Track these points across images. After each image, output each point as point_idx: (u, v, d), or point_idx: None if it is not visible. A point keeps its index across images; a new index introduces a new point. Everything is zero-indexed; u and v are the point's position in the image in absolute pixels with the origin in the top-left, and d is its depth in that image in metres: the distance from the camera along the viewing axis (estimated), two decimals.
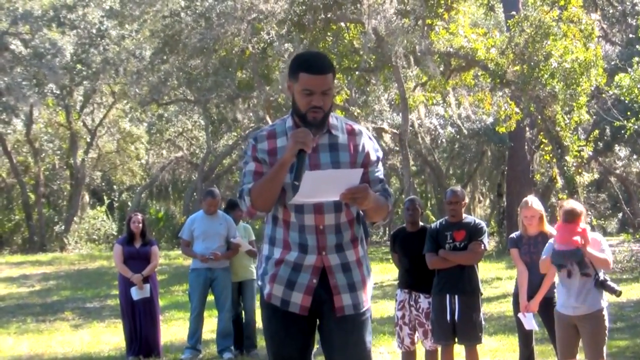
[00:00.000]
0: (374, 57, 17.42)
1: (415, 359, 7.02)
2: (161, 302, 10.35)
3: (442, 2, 16.28)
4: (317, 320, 3.70)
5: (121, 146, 31.30)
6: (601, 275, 5.79)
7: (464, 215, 6.72)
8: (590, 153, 19.60)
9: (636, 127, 15.65)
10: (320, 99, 3.52)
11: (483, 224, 6.77)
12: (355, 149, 3.66)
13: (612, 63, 20.95)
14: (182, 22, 18.77)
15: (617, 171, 29.90)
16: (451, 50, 16.73)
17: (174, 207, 34.47)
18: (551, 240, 6.08)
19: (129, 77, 23.52)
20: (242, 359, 8.87)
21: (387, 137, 21.98)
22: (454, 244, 6.55)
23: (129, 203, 32.66)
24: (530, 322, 6.54)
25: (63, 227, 29.02)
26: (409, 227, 6.96)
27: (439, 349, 6.75)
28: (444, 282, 6.56)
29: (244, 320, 9.08)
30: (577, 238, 5.69)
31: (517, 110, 17.33)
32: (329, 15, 16.91)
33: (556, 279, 6.11)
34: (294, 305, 3.62)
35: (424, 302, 6.76)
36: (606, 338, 5.89)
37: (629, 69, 15.07)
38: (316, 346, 4.25)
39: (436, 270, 6.63)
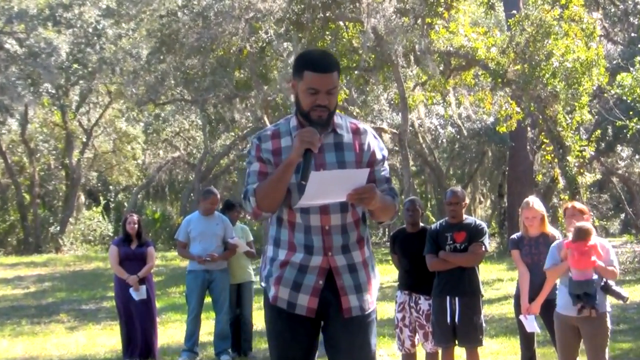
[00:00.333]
0: (373, 56, 17.37)
1: None
2: (158, 304, 10.29)
3: (442, 0, 16.21)
4: (322, 322, 3.66)
5: (117, 146, 31.23)
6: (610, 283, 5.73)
7: (465, 216, 6.69)
8: (592, 153, 19.50)
9: (638, 126, 15.55)
10: (325, 97, 3.48)
11: (484, 225, 6.74)
12: (361, 148, 3.62)
13: (614, 62, 20.86)
14: (179, 21, 18.73)
15: (620, 171, 29.81)
16: (451, 49, 16.71)
17: (171, 207, 34.39)
18: (554, 245, 6.03)
19: (126, 77, 23.45)
20: None
21: (386, 137, 21.86)
22: (454, 245, 6.52)
23: (125, 204, 32.58)
24: (531, 324, 6.50)
25: (58, 228, 28.91)
26: (409, 228, 6.92)
27: (440, 351, 6.72)
28: (444, 284, 6.52)
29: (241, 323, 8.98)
30: (594, 258, 5.60)
31: (517, 110, 17.27)
32: (327, 14, 16.86)
33: (557, 281, 6.05)
34: (300, 307, 3.58)
35: (424, 303, 6.73)
36: (608, 340, 5.82)
37: (631, 69, 14.98)
38: None
39: (436, 272, 6.59)
